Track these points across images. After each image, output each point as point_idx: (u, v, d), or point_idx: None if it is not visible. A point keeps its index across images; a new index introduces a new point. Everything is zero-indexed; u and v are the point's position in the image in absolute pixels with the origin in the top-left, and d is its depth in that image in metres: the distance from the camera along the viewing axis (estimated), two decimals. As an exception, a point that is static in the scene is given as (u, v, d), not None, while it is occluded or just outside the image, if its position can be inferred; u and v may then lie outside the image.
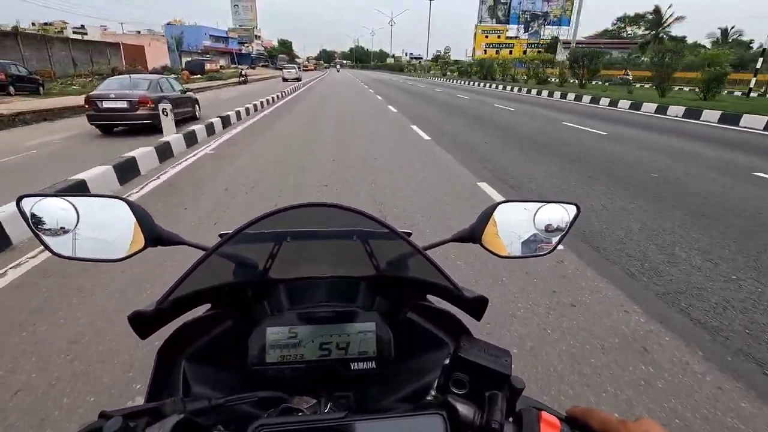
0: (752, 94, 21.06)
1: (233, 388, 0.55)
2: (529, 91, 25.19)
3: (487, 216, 0.69)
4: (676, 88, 23.56)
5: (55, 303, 2.47)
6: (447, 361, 0.49)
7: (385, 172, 5.71)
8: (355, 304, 0.62)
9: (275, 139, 8.10)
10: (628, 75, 30.45)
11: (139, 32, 49.37)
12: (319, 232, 0.63)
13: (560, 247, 0.73)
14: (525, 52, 62.35)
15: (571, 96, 20.64)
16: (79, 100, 12.69)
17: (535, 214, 0.69)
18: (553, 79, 32.92)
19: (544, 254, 0.72)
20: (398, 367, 0.59)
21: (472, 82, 37.90)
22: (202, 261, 0.51)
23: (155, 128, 8.39)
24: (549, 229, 0.70)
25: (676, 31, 50.95)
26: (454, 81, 43.44)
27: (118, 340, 2.10)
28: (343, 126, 10.10)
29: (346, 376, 0.56)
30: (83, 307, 2.42)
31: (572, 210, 0.70)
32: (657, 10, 48.84)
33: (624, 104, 16.71)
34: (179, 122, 9.58)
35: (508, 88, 28.63)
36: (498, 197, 4.40)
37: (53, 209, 0.57)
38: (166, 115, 7.66)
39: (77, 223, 0.58)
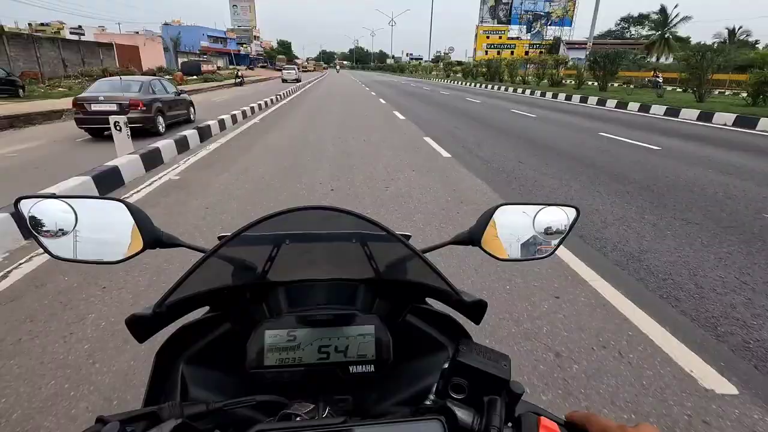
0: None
1: (231, 391, 0.56)
2: (543, 95, 23.35)
3: (486, 219, 0.69)
4: (716, 91, 21.11)
5: None
6: (446, 366, 0.49)
7: (403, 209, 4.26)
8: (354, 307, 0.62)
9: (262, 157, 6.64)
10: (659, 77, 27.06)
11: (137, 32, 48.87)
12: (318, 235, 0.63)
13: (560, 250, 0.72)
14: (527, 53, 61.90)
15: (592, 100, 18.91)
16: (60, 103, 12.39)
17: (534, 217, 0.69)
18: (567, 81, 31.33)
19: (544, 257, 0.72)
20: (397, 370, 0.60)
21: (477, 84, 36.31)
22: (200, 263, 0.51)
23: (148, 131, 8.22)
24: (549, 232, 0.70)
25: (681, 31, 50.35)
26: (459, 83, 41.44)
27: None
28: (345, 138, 8.43)
29: (344, 380, 0.56)
30: None
31: (572, 213, 0.70)
32: (663, 10, 48.23)
33: (657, 110, 14.82)
34: (173, 125, 9.48)
35: (519, 90, 26.92)
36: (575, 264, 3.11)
37: (52, 211, 0.58)
38: (119, 129, 5.87)
39: (75, 224, 0.58)
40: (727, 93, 22.47)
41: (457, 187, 5.13)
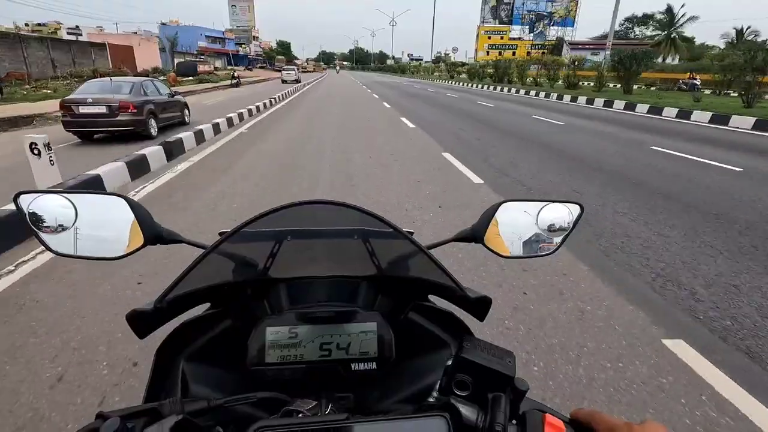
0: None
1: (232, 388, 0.56)
2: (560, 98, 21.49)
3: (489, 215, 0.69)
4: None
5: None
6: (449, 363, 0.49)
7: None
8: (355, 304, 0.62)
9: (237, 187, 5.04)
10: (696, 79, 24.84)
11: (135, 33, 48.53)
12: (320, 231, 0.63)
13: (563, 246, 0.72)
14: (528, 53, 61.65)
15: (618, 104, 17.08)
16: (36, 107, 11.87)
17: (538, 214, 0.69)
18: (584, 83, 29.73)
19: (548, 254, 0.71)
20: (399, 367, 0.59)
21: (484, 86, 34.44)
22: (201, 259, 0.51)
23: (139, 135, 7.96)
24: (552, 229, 0.69)
25: (688, 31, 49.71)
26: (464, 84, 39.57)
27: None
28: (347, 155, 6.88)
29: (346, 377, 0.56)
30: None
31: (575, 209, 0.70)
32: (669, 10, 47.78)
33: (700, 116, 13.10)
34: (166, 128, 9.22)
35: (532, 93, 25.09)
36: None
37: (52, 206, 0.57)
38: (37, 154, 4.28)
39: (76, 220, 0.58)
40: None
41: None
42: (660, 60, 44.01)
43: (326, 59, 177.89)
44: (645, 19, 65.85)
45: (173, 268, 2.86)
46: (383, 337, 0.57)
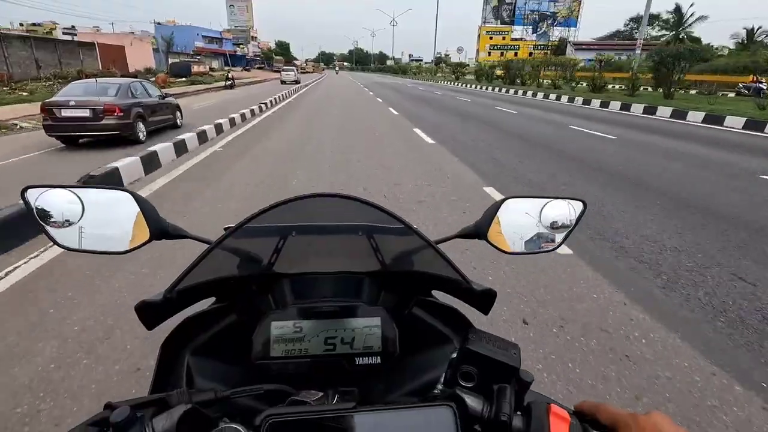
0: None
1: (237, 382, 0.56)
2: (587, 102, 19.31)
3: (493, 212, 0.70)
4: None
5: None
6: (454, 355, 0.51)
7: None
8: (360, 299, 0.63)
9: (216, 215, 4.07)
10: (762, 83, 21.81)
11: (132, 33, 48.04)
12: (325, 227, 0.64)
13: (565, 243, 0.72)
14: (530, 54, 61.15)
15: (663, 111, 14.78)
16: (8, 112, 11.11)
17: (541, 211, 0.70)
18: (613, 86, 27.38)
19: (550, 250, 0.72)
20: (403, 362, 0.60)
21: (494, 88, 32.20)
22: (209, 252, 0.52)
23: (127, 140, 7.66)
24: (555, 226, 0.70)
25: (696, 31, 48.74)
26: (471, 86, 37.34)
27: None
28: (351, 178, 5.63)
29: (350, 371, 0.57)
30: None
31: (578, 206, 0.71)
32: (678, 9, 47.10)
33: None
34: (156, 132, 8.93)
35: (552, 96, 22.75)
36: None
37: (59, 201, 0.58)
38: None
39: (82, 214, 0.59)
40: None
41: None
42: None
43: (325, 60, 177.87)
44: (650, 20, 65.28)
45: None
46: (387, 332, 0.57)
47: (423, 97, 22.36)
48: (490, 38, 76.19)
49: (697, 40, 47.59)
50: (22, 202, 0.58)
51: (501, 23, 75.40)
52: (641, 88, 23.08)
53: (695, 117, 13.67)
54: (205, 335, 0.61)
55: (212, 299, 0.64)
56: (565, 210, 0.70)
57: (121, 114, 7.39)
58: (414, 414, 0.43)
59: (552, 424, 0.41)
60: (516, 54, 69.99)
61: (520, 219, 0.70)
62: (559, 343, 2.20)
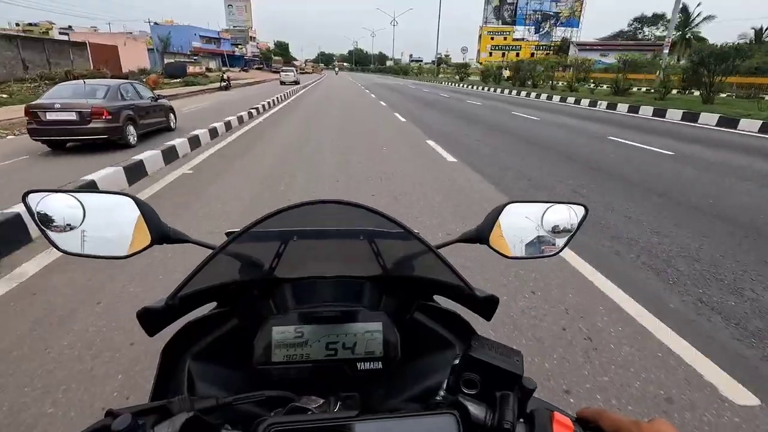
0: None
1: (238, 387, 0.57)
2: (612, 107, 17.69)
3: (494, 216, 0.70)
4: None
5: None
6: (457, 361, 0.51)
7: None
8: (361, 303, 0.63)
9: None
10: None
11: (131, 33, 47.72)
12: (326, 232, 0.64)
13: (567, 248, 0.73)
14: (532, 54, 60.72)
15: (707, 118, 13.16)
16: None
17: (542, 215, 0.70)
18: (638, 89, 25.73)
19: (552, 255, 0.72)
20: (404, 367, 0.61)
21: (503, 90, 30.65)
22: (211, 257, 0.52)
23: (116, 144, 7.40)
24: (556, 230, 0.70)
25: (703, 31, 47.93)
26: (478, 88, 35.71)
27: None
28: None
29: (352, 376, 0.57)
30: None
31: (580, 211, 0.71)
32: (684, 9, 46.58)
33: None
34: (148, 135, 8.65)
35: (570, 100, 21.14)
36: None
37: (60, 206, 0.59)
38: None
39: (83, 219, 0.59)
40: None
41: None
42: (676, 61, 42.67)
43: (325, 60, 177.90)
44: (655, 20, 64.82)
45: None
46: (389, 337, 0.57)
47: (429, 101, 20.92)
48: (492, 38, 75.90)
49: (705, 40, 47.05)
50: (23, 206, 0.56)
51: (502, 23, 75.12)
52: (675, 92, 21.50)
53: (749, 126, 11.80)
54: (206, 340, 0.61)
55: (213, 304, 0.64)
56: (567, 214, 0.70)
57: (110, 117, 7.13)
58: (416, 422, 0.44)
59: None
60: (518, 54, 69.65)
61: (522, 224, 0.70)
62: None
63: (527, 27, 72.41)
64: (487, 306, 0.60)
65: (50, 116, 6.84)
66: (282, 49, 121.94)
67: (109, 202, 0.61)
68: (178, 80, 28.57)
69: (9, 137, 8.79)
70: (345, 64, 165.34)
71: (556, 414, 0.43)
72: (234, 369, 0.60)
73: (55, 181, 4.54)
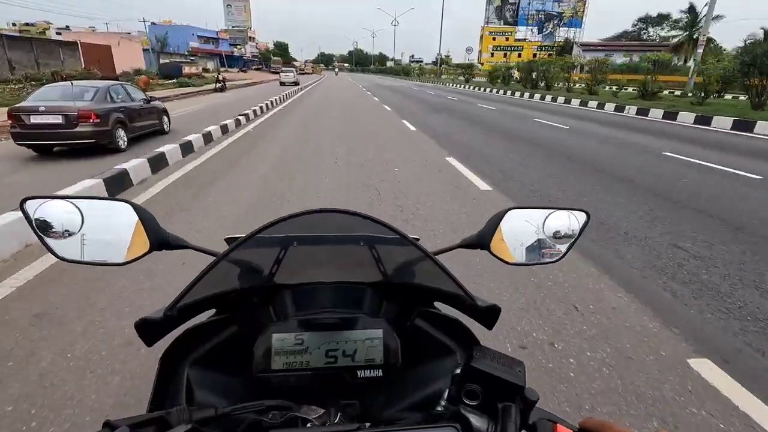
0: None
1: (237, 395, 0.58)
2: (643, 112, 16.25)
3: (495, 222, 0.70)
4: None
5: None
6: (458, 371, 0.51)
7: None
8: (361, 310, 0.62)
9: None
10: None
11: (129, 33, 47.46)
12: (326, 237, 0.64)
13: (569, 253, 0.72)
14: (535, 55, 60.39)
15: (764, 127, 11.54)
16: None
17: (544, 221, 0.70)
18: (668, 92, 24.15)
19: (554, 261, 0.72)
20: (405, 374, 0.61)
21: (513, 92, 29.19)
22: (212, 267, 0.52)
23: (106, 148, 7.16)
24: (558, 236, 0.70)
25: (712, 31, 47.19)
26: (485, 89, 34.28)
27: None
28: None
29: (352, 384, 0.57)
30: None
31: (582, 217, 0.72)
32: (692, 9, 46.02)
33: None
34: (141, 138, 8.45)
35: (592, 104, 19.69)
36: None
37: (58, 212, 0.58)
38: None
39: (81, 226, 0.59)
40: None
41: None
42: (682, 62, 42.09)
43: (325, 61, 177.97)
44: (660, 20, 64.42)
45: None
46: (389, 344, 0.57)
47: (438, 105, 19.41)
48: (493, 39, 75.75)
49: (713, 41, 46.51)
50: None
51: (504, 24, 74.92)
52: (715, 97, 19.65)
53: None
54: (205, 347, 0.60)
55: (212, 310, 0.64)
56: (568, 220, 0.70)
57: (98, 120, 6.88)
58: None
59: None
60: (519, 55, 69.36)
61: (523, 229, 0.70)
62: None
63: (530, 27, 72.21)
64: (488, 315, 0.60)
65: (35, 120, 6.60)
66: (281, 49, 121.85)
67: (108, 208, 0.61)
68: (170, 81, 27.86)
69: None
70: (345, 64, 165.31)
71: (559, 426, 0.43)
72: (233, 376, 0.60)
73: (35, 189, 4.08)
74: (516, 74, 38.31)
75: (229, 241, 0.56)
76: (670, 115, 15.18)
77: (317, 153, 7.48)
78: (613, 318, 2.57)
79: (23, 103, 6.97)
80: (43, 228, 0.58)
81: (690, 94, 20.06)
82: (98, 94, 7.31)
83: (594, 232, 3.95)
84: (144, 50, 38.49)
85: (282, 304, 0.62)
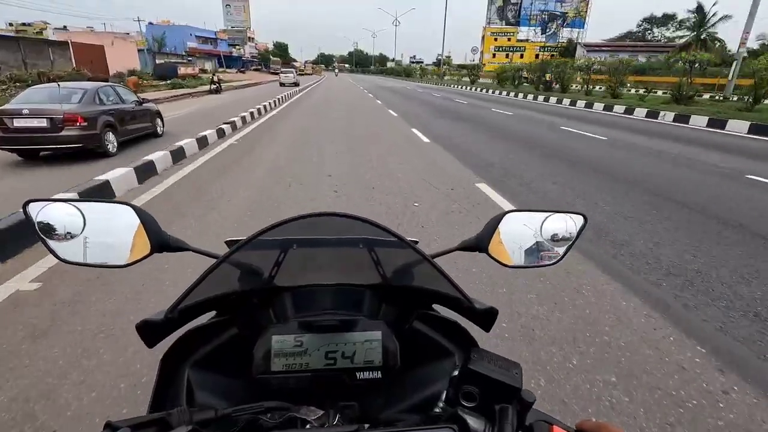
0: None
1: (237, 396, 0.58)
2: (682, 119, 14.78)
3: (493, 225, 0.71)
4: None
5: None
6: (456, 373, 0.53)
7: None
8: (361, 312, 0.63)
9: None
10: None
11: (128, 34, 47.23)
12: (325, 240, 0.65)
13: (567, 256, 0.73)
14: (537, 56, 60.06)
15: None
16: None
17: (541, 224, 0.71)
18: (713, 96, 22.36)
19: (552, 264, 0.73)
20: (404, 376, 0.62)
21: (525, 95, 27.75)
22: (213, 269, 0.53)
23: (94, 153, 6.94)
24: (555, 239, 0.71)
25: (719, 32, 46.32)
26: (492, 92, 32.84)
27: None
28: None
29: (351, 386, 0.57)
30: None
31: (579, 220, 0.72)
32: (700, 9, 45.49)
33: None
34: (133, 141, 8.23)
35: (618, 108, 18.14)
36: None
37: (60, 215, 0.59)
38: None
39: (83, 228, 0.60)
40: None
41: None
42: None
43: (325, 61, 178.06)
44: (665, 20, 63.98)
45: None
46: (388, 346, 0.58)
47: (448, 109, 17.74)
48: (495, 39, 75.56)
49: (721, 41, 45.96)
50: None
51: (506, 24, 74.70)
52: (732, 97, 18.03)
53: None
54: (205, 349, 0.61)
55: (213, 312, 0.64)
56: (566, 223, 0.71)
57: (85, 124, 6.66)
58: None
59: None
60: (522, 56, 69.04)
61: (521, 232, 0.71)
62: None
63: (533, 28, 71.95)
64: (486, 318, 0.60)
65: (18, 123, 6.37)
66: (281, 50, 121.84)
67: (109, 211, 0.62)
68: (163, 83, 27.10)
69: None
70: (345, 65, 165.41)
71: (555, 428, 0.43)
72: (233, 378, 0.61)
73: (12, 197, 4.07)
74: (525, 75, 36.99)
75: (229, 243, 0.59)
76: (716, 123, 13.48)
77: (313, 176, 6.16)
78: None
79: (6, 106, 6.75)
80: (45, 230, 0.59)
81: (733, 98, 18.10)
82: (86, 97, 7.08)
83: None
84: (139, 50, 37.95)
85: (282, 306, 0.62)
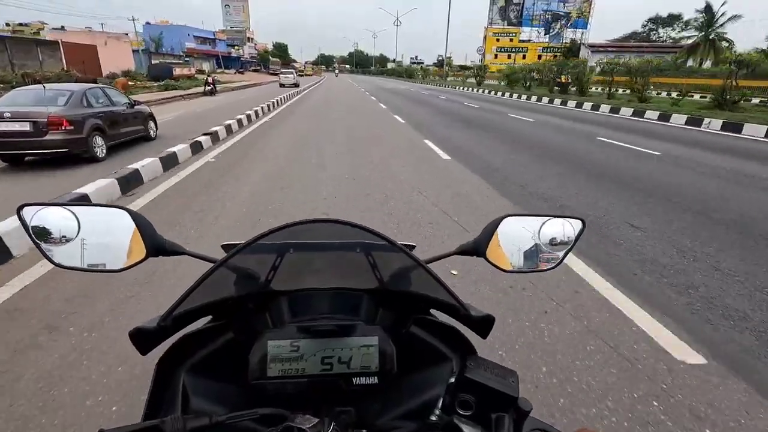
0: None
1: (233, 402, 0.59)
2: (734, 128, 13.01)
3: (491, 230, 0.70)
4: None
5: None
6: (452, 380, 0.53)
7: None
8: (357, 317, 0.63)
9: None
10: None
11: (126, 34, 47.06)
12: (322, 244, 0.65)
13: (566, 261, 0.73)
14: (540, 57, 59.86)
15: None
16: None
17: (539, 229, 0.71)
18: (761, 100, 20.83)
19: (550, 269, 0.73)
20: (400, 381, 0.61)
21: (539, 98, 26.07)
22: (209, 274, 0.53)
23: (81, 157, 6.74)
24: (553, 243, 0.71)
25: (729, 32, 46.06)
26: (503, 94, 31.20)
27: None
28: None
29: (347, 391, 0.57)
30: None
31: (577, 224, 0.72)
32: (708, 9, 45.26)
33: None
34: (124, 145, 8.03)
35: (651, 114, 16.52)
36: None
37: (55, 219, 0.59)
38: None
39: (78, 232, 0.60)
40: None
41: None
42: (697, 64, 41.22)
43: (325, 62, 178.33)
44: (670, 20, 63.86)
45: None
46: (385, 352, 0.58)
47: (459, 114, 16.19)
48: (497, 40, 75.38)
49: (729, 42, 45.68)
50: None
51: (508, 24, 74.51)
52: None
53: None
54: (201, 354, 0.61)
55: (208, 317, 0.64)
56: (564, 228, 0.71)
57: (71, 127, 6.44)
58: None
59: None
60: (524, 57, 68.84)
61: (519, 237, 0.71)
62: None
63: (536, 28, 71.77)
64: (482, 325, 0.61)
65: (0, 127, 6.17)
66: (280, 50, 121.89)
67: (104, 215, 0.62)
68: (159, 84, 26.44)
69: None
70: (345, 66, 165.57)
71: None
72: (229, 383, 0.61)
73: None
74: (535, 76, 35.61)
75: (225, 248, 0.57)
76: None
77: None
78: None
79: (-13, 109, 6.50)
80: (40, 234, 0.59)
81: (760, 102, 16.71)
82: (72, 99, 6.84)
83: None
84: (135, 51, 37.69)
85: (278, 311, 0.62)
